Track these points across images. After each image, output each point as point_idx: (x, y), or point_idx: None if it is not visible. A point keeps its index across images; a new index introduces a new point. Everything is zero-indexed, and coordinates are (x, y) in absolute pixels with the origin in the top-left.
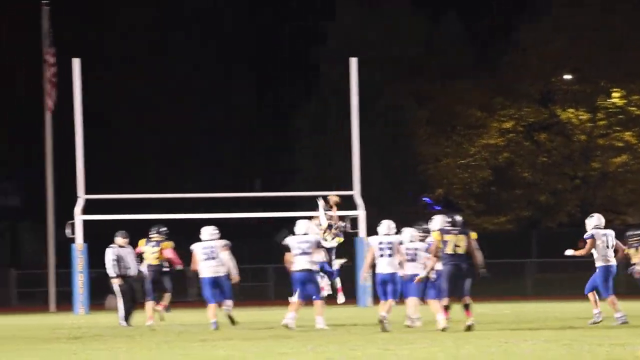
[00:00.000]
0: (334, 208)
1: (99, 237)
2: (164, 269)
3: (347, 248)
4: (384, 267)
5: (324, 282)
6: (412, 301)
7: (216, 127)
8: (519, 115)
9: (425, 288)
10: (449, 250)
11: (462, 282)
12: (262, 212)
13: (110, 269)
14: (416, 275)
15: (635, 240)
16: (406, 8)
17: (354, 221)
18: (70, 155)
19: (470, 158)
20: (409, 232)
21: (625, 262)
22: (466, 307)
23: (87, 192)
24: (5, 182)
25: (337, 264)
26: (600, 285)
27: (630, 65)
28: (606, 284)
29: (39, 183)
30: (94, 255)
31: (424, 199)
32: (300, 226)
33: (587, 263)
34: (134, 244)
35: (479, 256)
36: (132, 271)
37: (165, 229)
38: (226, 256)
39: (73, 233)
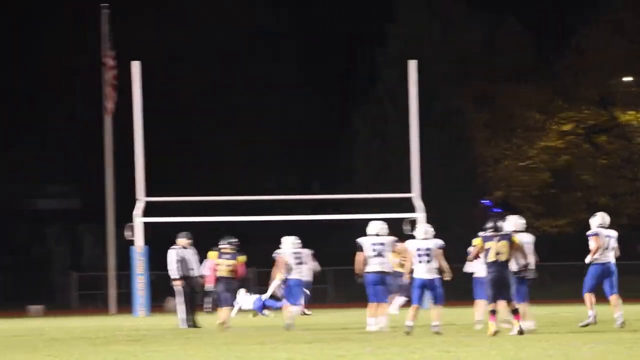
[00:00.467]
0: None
1: (157, 240)
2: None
3: None
4: (422, 272)
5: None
6: (479, 303)
7: (274, 129)
8: (578, 118)
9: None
10: (491, 257)
11: (506, 289)
12: (320, 214)
13: (174, 270)
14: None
15: None
16: (465, 10)
17: (412, 223)
18: (130, 158)
19: (530, 160)
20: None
21: None
22: (514, 312)
23: (146, 195)
24: (65, 185)
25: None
26: (587, 281)
27: None
28: (594, 281)
29: (99, 185)
30: (153, 257)
31: (483, 201)
32: (373, 227)
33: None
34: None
35: (528, 259)
36: (195, 272)
37: (235, 240)
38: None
39: (132, 235)
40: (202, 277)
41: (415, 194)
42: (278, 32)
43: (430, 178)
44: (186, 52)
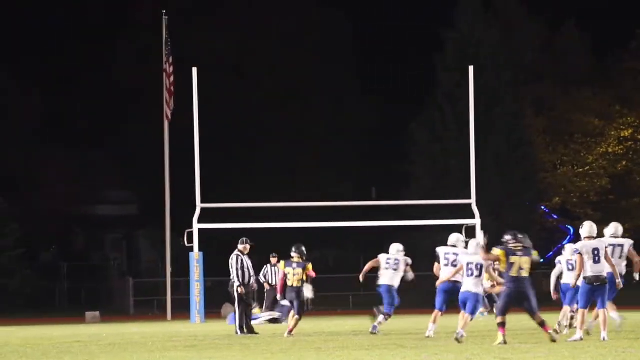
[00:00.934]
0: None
1: (210, 246)
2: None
3: None
4: (470, 286)
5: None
6: (565, 309)
7: (332, 135)
8: (638, 124)
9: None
10: (513, 272)
11: (528, 303)
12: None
13: (236, 276)
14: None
15: None
16: (523, 14)
17: (470, 230)
18: (188, 164)
19: (588, 166)
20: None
21: None
22: (541, 324)
23: (202, 201)
24: (124, 191)
25: None
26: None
27: None
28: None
29: (156, 192)
30: (207, 263)
31: (541, 207)
32: (452, 238)
33: None
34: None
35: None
36: (253, 279)
37: (304, 248)
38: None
39: (189, 242)
40: (272, 285)
41: (473, 201)
42: (336, 39)
43: (488, 183)
44: (246, 59)
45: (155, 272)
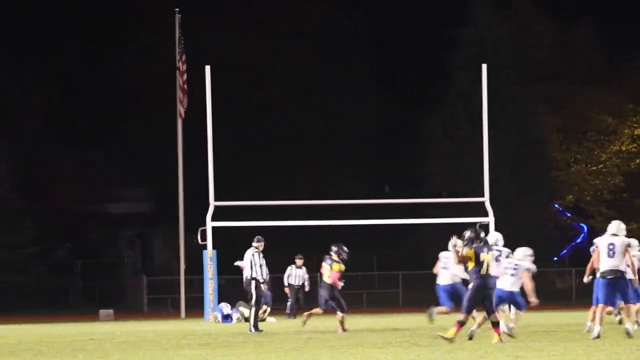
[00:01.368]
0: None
1: (223, 244)
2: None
3: None
4: (506, 284)
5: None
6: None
7: (346, 133)
8: None
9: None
10: (484, 270)
11: (489, 301)
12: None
13: (259, 274)
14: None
15: None
16: (537, 12)
17: (484, 228)
18: (201, 162)
19: (602, 164)
20: None
21: None
22: (496, 324)
23: (216, 199)
24: (138, 189)
25: None
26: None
27: None
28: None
29: (170, 189)
30: (220, 261)
31: (554, 205)
32: (491, 238)
33: None
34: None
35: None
36: (267, 277)
37: (342, 249)
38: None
39: (203, 240)
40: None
41: (486, 198)
42: (352, 36)
43: (501, 181)
44: (261, 58)
45: (168, 269)
